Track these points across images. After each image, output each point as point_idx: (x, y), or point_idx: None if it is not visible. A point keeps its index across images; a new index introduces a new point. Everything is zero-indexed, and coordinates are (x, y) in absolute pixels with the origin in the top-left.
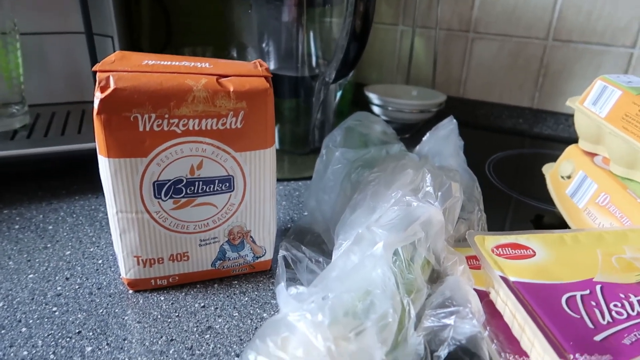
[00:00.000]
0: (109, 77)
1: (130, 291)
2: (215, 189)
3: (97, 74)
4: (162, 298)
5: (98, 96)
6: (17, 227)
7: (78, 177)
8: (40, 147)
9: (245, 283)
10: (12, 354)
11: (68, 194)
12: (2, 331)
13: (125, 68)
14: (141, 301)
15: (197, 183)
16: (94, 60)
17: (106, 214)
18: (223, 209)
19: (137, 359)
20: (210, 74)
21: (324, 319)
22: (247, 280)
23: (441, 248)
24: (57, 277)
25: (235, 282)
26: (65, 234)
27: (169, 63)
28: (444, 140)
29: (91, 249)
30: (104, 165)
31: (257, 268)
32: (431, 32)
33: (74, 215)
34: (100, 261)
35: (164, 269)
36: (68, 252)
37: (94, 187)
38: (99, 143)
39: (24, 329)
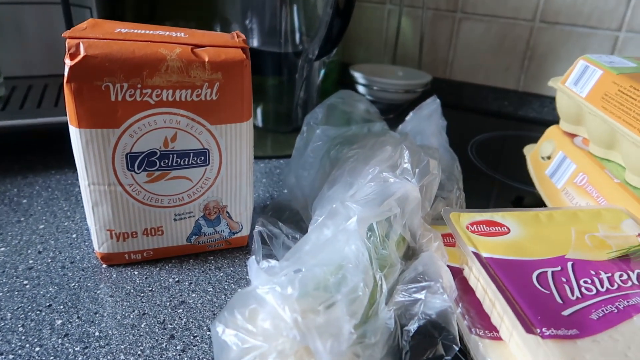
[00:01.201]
0: (79, 43)
1: (104, 265)
2: (190, 163)
3: (67, 40)
4: (136, 273)
5: (67, 63)
6: None
7: (54, 151)
8: (16, 119)
9: (221, 259)
10: None
11: (44, 168)
12: None
13: (97, 35)
14: (114, 275)
15: (171, 156)
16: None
17: (79, 190)
18: (198, 183)
19: (108, 332)
20: (185, 43)
21: (294, 291)
22: (223, 256)
23: (417, 225)
24: (29, 251)
25: (211, 257)
26: (39, 207)
27: (143, 32)
28: (427, 119)
29: (66, 223)
30: (75, 135)
31: (233, 244)
32: (418, 11)
33: (50, 189)
34: (74, 235)
35: (138, 243)
36: (42, 226)
37: (71, 161)
38: (70, 113)
39: None
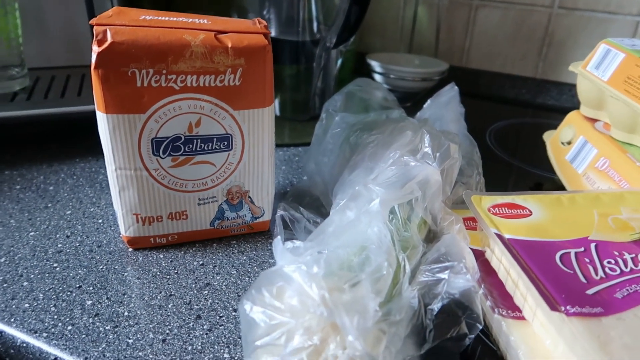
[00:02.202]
0: (106, 30)
1: (130, 249)
2: (213, 148)
3: (94, 27)
4: (161, 256)
5: (95, 50)
6: (18, 187)
7: (78, 140)
8: (40, 109)
9: (244, 243)
10: (13, 306)
11: (68, 156)
12: (4, 285)
13: (123, 22)
14: (140, 259)
15: (195, 141)
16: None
17: (106, 176)
18: (221, 168)
19: (136, 312)
20: (209, 29)
21: (319, 270)
22: (246, 240)
23: (438, 208)
24: (57, 235)
25: (234, 242)
26: (65, 194)
27: (167, 19)
28: (445, 106)
29: (91, 209)
30: (102, 121)
31: (255, 228)
32: None
33: (75, 177)
34: (100, 220)
35: (163, 227)
36: (69, 212)
37: (94, 149)
38: (97, 98)
39: (25, 283)
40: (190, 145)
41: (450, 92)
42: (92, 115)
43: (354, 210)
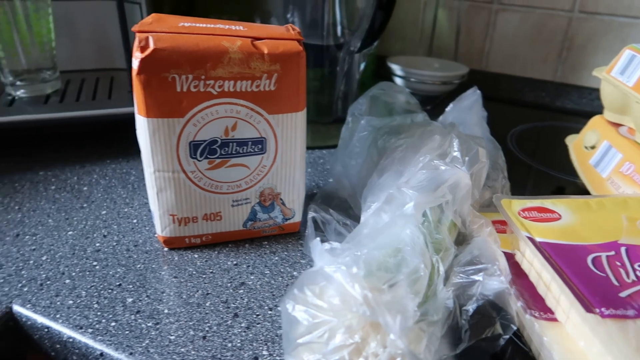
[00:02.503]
0: (148, 37)
1: (165, 249)
2: (248, 151)
3: (137, 34)
4: (196, 256)
5: (138, 56)
6: (53, 187)
7: (109, 142)
8: (73, 111)
9: (275, 244)
10: (58, 303)
11: (100, 158)
12: (48, 282)
13: (163, 29)
14: (176, 258)
15: (231, 144)
16: (124, 26)
17: (137, 177)
18: (255, 171)
19: (176, 309)
20: (245, 36)
21: (359, 271)
22: (277, 241)
23: (467, 212)
24: (95, 235)
25: (265, 242)
26: (99, 195)
27: (204, 25)
28: (468, 110)
29: (125, 209)
30: (143, 125)
31: (286, 230)
32: (454, 2)
33: (107, 178)
34: (135, 220)
35: (198, 227)
36: (104, 212)
37: (125, 151)
38: (138, 103)
39: (67, 281)
40: (226, 149)
41: (472, 96)
42: (122, 118)
43: (388, 213)
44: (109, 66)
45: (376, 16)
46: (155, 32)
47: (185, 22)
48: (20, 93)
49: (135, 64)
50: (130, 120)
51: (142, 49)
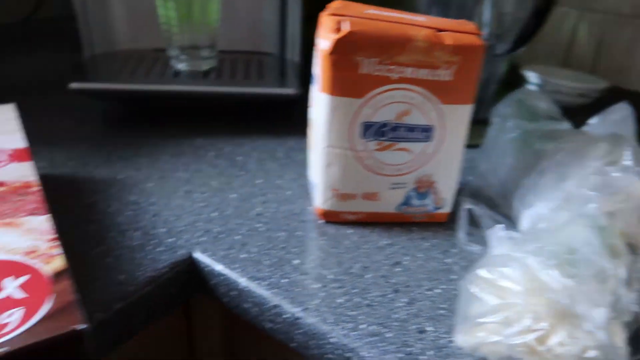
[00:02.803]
0: (342, 20)
1: (321, 221)
2: (415, 137)
3: (329, 17)
4: (350, 231)
5: (332, 37)
6: (212, 154)
7: (257, 119)
8: (232, 87)
9: (424, 230)
10: (232, 255)
11: (249, 132)
12: (221, 236)
13: (353, 14)
14: (332, 231)
15: (400, 129)
16: (283, 11)
17: (284, 153)
18: (417, 157)
19: (339, 277)
20: (428, 26)
21: (549, 260)
22: (425, 228)
23: (637, 221)
24: (254, 200)
25: (415, 228)
26: (253, 165)
27: (390, 14)
28: (619, 124)
29: (278, 182)
30: (325, 101)
31: (435, 218)
32: (596, 15)
33: (257, 151)
34: (288, 192)
35: (355, 205)
36: (259, 181)
37: (272, 128)
38: (324, 81)
39: (237, 237)
40: (395, 132)
41: (622, 111)
42: (273, 98)
43: (567, 211)
44: (258, 49)
45: (529, 23)
46: (348, 15)
47: (370, 10)
48: (181, 67)
49: (326, 44)
50: (279, 100)
51: (337, 30)
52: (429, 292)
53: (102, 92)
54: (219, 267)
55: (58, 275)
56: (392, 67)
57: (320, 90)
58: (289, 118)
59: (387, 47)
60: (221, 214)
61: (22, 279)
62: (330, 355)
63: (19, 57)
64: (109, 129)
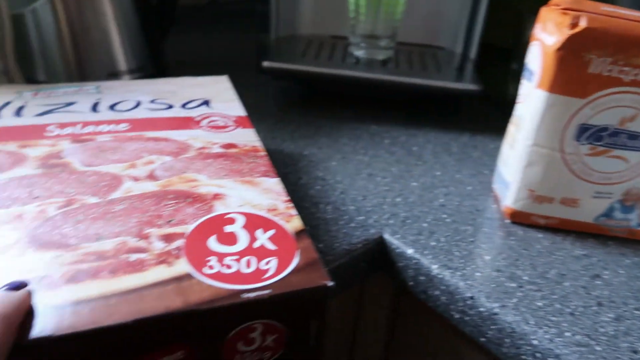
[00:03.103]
0: (580, 16)
1: (507, 221)
2: (636, 146)
3: (560, 11)
4: (540, 235)
5: (565, 32)
6: (387, 141)
7: (429, 112)
8: (415, 78)
9: (621, 246)
10: (422, 241)
11: (421, 124)
12: (408, 221)
13: (589, 10)
14: (520, 232)
15: (621, 135)
16: (474, 7)
17: (459, 149)
18: (632, 167)
19: (535, 280)
20: None
21: None
22: (623, 243)
23: None
24: (436, 191)
25: (611, 242)
26: (429, 157)
27: (628, 12)
28: None
29: (457, 176)
30: (541, 98)
31: (636, 236)
32: None
33: (431, 144)
34: (469, 188)
35: (550, 209)
36: (438, 173)
37: (444, 122)
38: (545, 77)
39: (424, 224)
40: (615, 139)
41: None
42: (450, 92)
43: None
44: (431, 43)
45: None
46: (585, 11)
47: (606, 7)
48: (359, 54)
49: (557, 39)
50: (460, 95)
51: (572, 26)
52: (637, 312)
53: (291, 73)
54: (410, 251)
55: (299, 234)
56: (626, 68)
57: (536, 86)
58: (457, 113)
59: (626, 47)
60: (405, 200)
61: (270, 233)
62: (526, 357)
63: (206, 36)
64: (288, 108)
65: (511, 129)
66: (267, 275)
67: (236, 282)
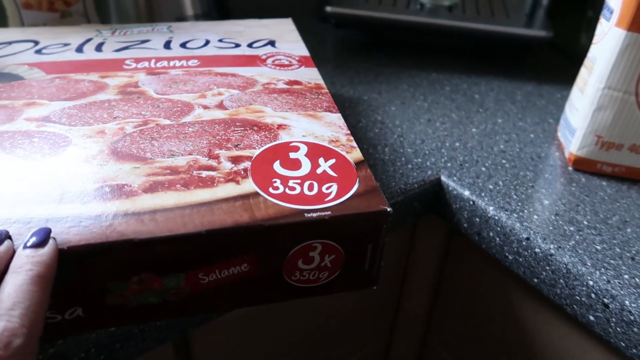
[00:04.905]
0: None
1: (571, 168)
2: None
3: None
4: (604, 183)
5: None
6: (448, 89)
7: (492, 59)
8: (483, 24)
9: None
10: (480, 184)
11: (484, 72)
12: (466, 164)
13: None
14: (583, 180)
15: None
16: None
17: (523, 97)
18: None
19: (595, 225)
20: None
21: None
22: None
23: None
24: (497, 138)
25: None
26: (491, 104)
27: None
28: None
29: (520, 124)
30: (617, 37)
31: None
32: None
33: (494, 91)
34: (532, 135)
35: (617, 156)
36: (499, 120)
37: (508, 70)
38: (623, 14)
39: (483, 169)
40: None
41: None
42: (518, 38)
43: None
44: None
45: None
46: None
47: None
48: (425, 0)
49: None
50: (529, 42)
51: None
52: None
53: (354, 18)
54: (466, 193)
55: (359, 164)
56: None
57: (615, 24)
58: (523, 62)
59: None
60: (464, 145)
61: (331, 162)
62: (580, 298)
63: None
64: (347, 55)
65: (583, 72)
66: (328, 198)
67: (299, 203)
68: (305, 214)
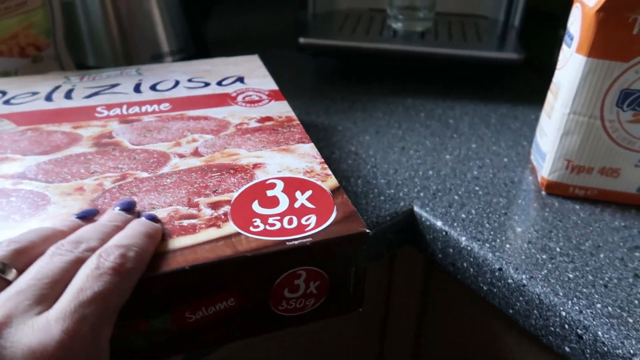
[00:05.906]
0: None
1: (544, 192)
2: None
3: None
4: (577, 207)
5: None
6: (422, 114)
7: (467, 83)
8: (453, 49)
9: None
10: (452, 213)
11: (459, 96)
12: (439, 193)
13: None
14: (556, 204)
15: None
16: None
17: (497, 120)
18: None
19: (568, 252)
20: None
21: None
22: None
23: None
24: (470, 164)
25: None
26: (465, 129)
27: None
28: None
29: (493, 148)
30: (578, 64)
31: None
32: None
33: (468, 115)
34: (505, 159)
35: (588, 179)
36: (473, 145)
37: (484, 94)
38: (582, 41)
39: (456, 197)
40: None
41: None
42: (491, 62)
43: None
44: (472, 12)
45: None
46: None
47: None
48: (397, 26)
49: (595, 0)
50: (501, 65)
51: None
52: None
53: (327, 48)
54: (439, 223)
55: (335, 191)
56: None
57: (575, 50)
58: (499, 84)
59: None
60: (437, 173)
61: (308, 193)
62: (555, 329)
63: (245, 15)
64: (324, 84)
65: (549, 97)
66: (308, 228)
67: (280, 235)
68: (287, 243)
